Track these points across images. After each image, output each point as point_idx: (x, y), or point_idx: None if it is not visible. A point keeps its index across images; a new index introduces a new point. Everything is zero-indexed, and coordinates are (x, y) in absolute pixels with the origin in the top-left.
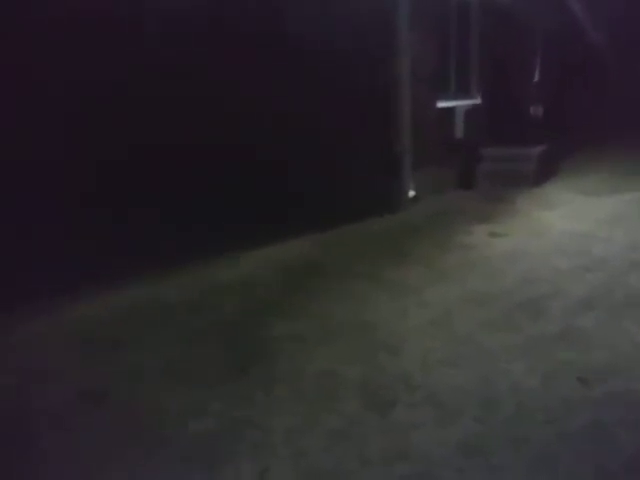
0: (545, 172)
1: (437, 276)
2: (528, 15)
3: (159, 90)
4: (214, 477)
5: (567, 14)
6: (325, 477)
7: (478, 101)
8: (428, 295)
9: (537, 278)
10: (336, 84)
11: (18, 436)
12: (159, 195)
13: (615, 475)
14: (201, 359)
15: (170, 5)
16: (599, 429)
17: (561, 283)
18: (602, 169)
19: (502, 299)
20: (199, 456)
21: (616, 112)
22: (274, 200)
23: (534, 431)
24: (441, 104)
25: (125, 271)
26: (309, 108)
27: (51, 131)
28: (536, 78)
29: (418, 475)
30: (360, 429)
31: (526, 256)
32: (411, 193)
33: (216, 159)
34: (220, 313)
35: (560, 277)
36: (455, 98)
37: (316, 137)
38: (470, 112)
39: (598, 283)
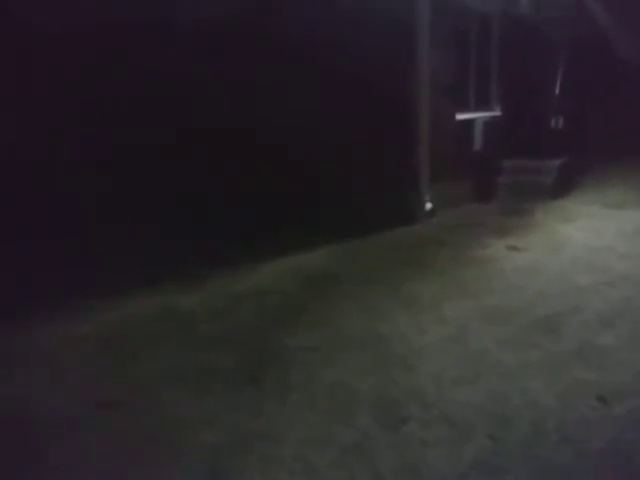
0: (565, 185)
1: (454, 290)
2: (551, 27)
3: (177, 94)
4: None
5: (594, 26)
6: None
7: (497, 113)
8: (445, 309)
9: (556, 293)
10: (355, 96)
11: (30, 444)
12: (179, 204)
13: None
14: (216, 369)
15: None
16: (618, 449)
17: (581, 299)
18: (625, 182)
19: (520, 315)
20: (210, 467)
21: None
22: (293, 210)
23: (550, 450)
24: (460, 116)
25: (144, 279)
26: (327, 119)
27: (74, 137)
28: (558, 90)
29: None
30: (372, 445)
31: (545, 271)
32: (428, 205)
33: (235, 170)
34: (236, 323)
35: (580, 293)
36: (474, 110)
37: (334, 148)
38: (489, 124)
39: (619, 299)
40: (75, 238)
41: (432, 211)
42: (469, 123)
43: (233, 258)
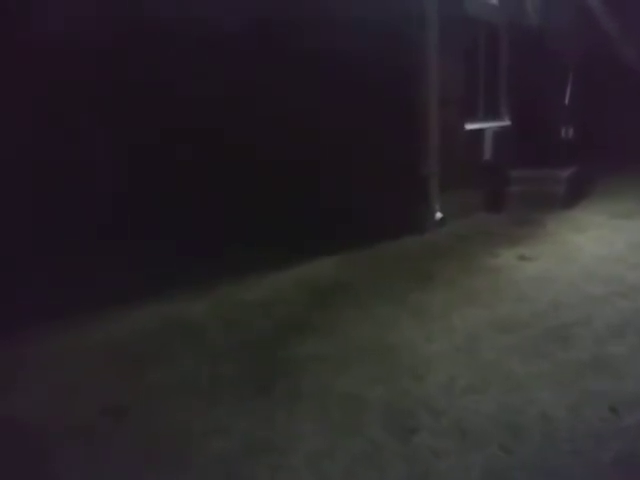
0: (575, 194)
1: (464, 300)
2: (560, 37)
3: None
4: None
5: (604, 36)
6: None
7: (507, 123)
8: (454, 319)
9: (567, 304)
10: (365, 106)
11: (38, 451)
12: (187, 214)
13: None
14: (224, 378)
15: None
16: (630, 460)
17: (592, 309)
18: (634, 192)
19: (531, 325)
20: (218, 477)
21: None
22: (302, 221)
23: (562, 462)
24: (470, 126)
25: (153, 289)
26: (337, 130)
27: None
28: (567, 100)
29: None
30: (383, 455)
31: (556, 280)
32: (438, 215)
33: (244, 180)
34: (244, 332)
35: (591, 303)
36: (484, 120)
37: (343, 159)
38: (499, 134)
39: (630, 310)
40: (80, 246)
41: (442, 220)
42: (479, 133)
43: (243, 268)
